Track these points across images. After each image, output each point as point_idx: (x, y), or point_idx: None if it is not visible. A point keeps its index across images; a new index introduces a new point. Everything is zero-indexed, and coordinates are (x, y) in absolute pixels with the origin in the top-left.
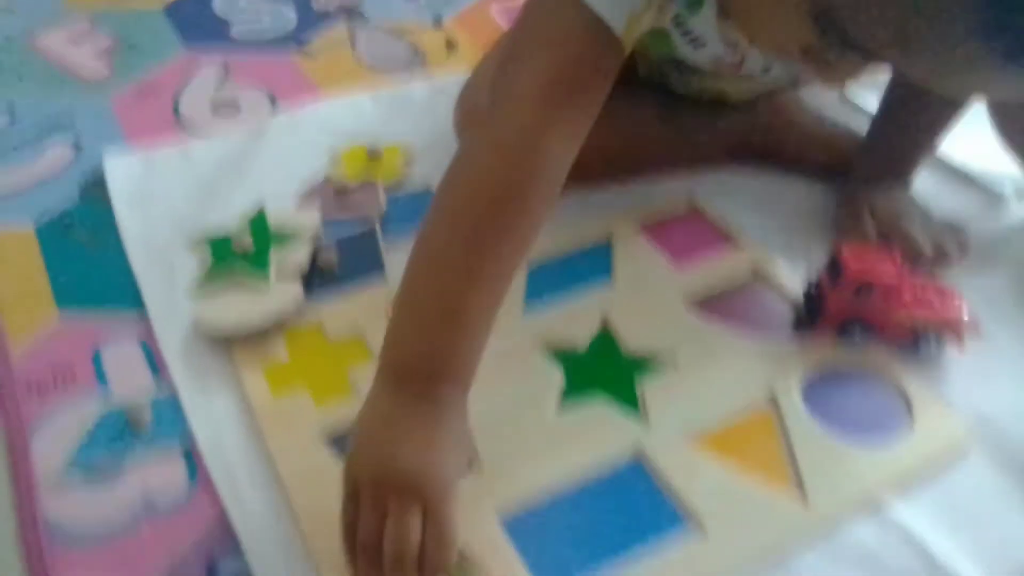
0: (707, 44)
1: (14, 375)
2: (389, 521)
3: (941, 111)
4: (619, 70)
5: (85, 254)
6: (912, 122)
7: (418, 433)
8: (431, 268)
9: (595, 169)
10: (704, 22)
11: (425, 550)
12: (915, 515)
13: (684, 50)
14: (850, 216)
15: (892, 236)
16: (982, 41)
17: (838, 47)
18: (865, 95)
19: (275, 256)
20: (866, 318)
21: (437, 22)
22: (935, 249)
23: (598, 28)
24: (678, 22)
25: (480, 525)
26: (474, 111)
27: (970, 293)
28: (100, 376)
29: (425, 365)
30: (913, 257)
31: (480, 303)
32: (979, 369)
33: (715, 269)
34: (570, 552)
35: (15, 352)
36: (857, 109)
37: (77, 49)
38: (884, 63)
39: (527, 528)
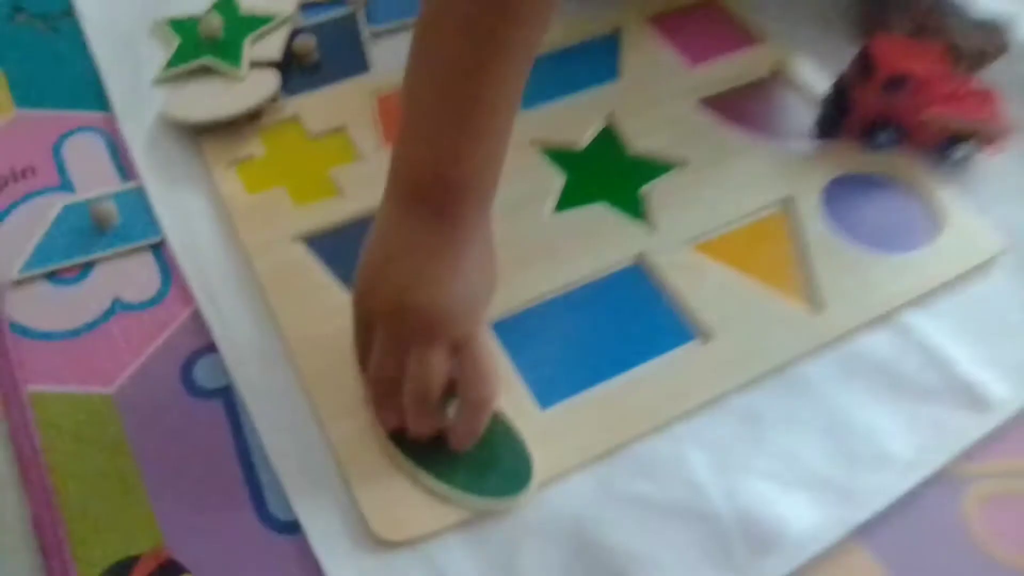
0: None
1: None
2: (412, 359)
3: None
4: None
5: (41, 44)
6: None
7: (439, 258)
8: (437, 61)
9: None
10: None
11: (465, 390)
12: (936, 326)
13: None
14: (878, 9)
15: (924, 32)
16: None
17: None
18: None
19: (248, 42)
20: (896, 118)
21: None
22: (972, 45)
23: None
24: None
25: None
26: None
27: (1010, 92)
28: (61, 171)
29: (441, 177)
30: (949, 54)
31: (496, 97)
32: (1016, 177)
33: (731, 66)
34: (565, 356)
35: None
36: None
37: None
38: None
39: (519, 331)
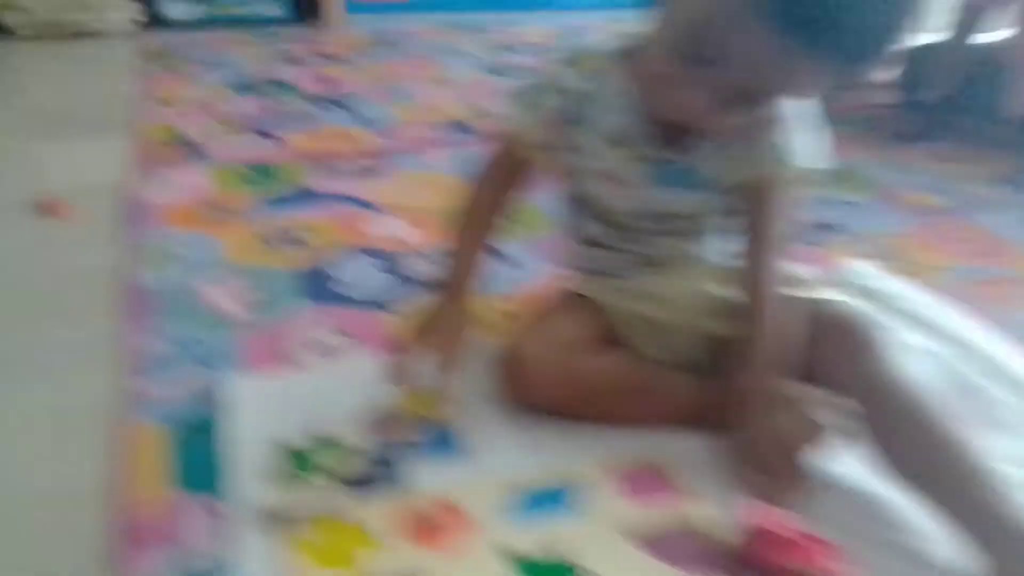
0: (601, 154)
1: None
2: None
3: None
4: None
5: (198, 451)
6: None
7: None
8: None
9: (595, 410)
10: (596, 139)
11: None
12: None
13: (591, 169)
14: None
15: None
16: (789, 42)
17: (715, 61)
18: None
19: (334, 466)
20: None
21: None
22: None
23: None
24: (584, 147)
25: None
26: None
27: None
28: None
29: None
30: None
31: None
32: None
33: (661, 514)
34: None
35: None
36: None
37: (226, 294)
38: (751, 93)
39: None
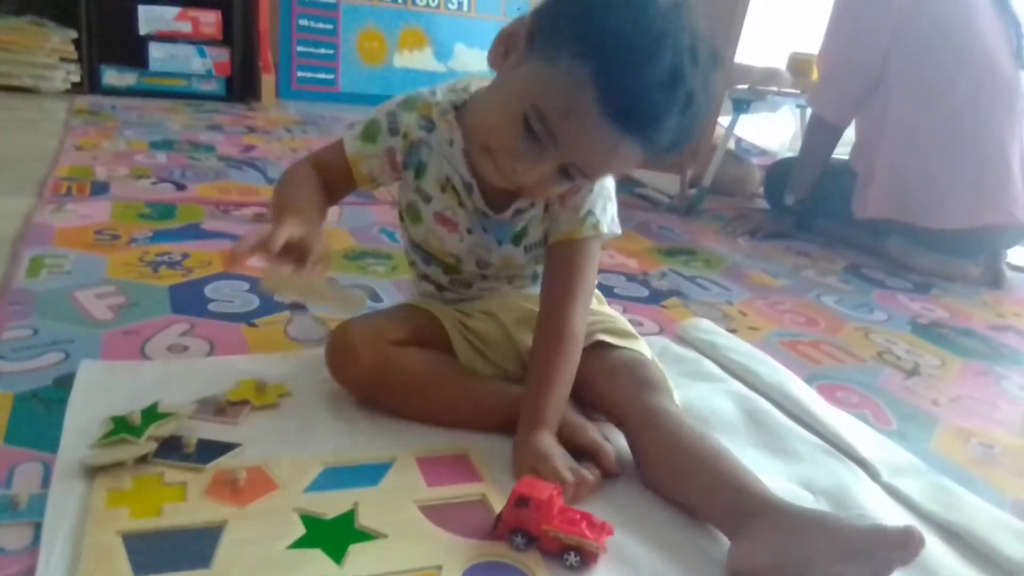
0: (433, 200)
1: None
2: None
3: (554, 385)
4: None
5: (38, 417)
6: (538, 391)
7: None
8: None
9: (414, 408)
10: (430, 185)
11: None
12: None
13: (424, 211)
14: (514, 456)
15: (538, 468)
16: (608, 122)
17: (536, 138)
18: None
19: (152, 427)
20: (525, 527)
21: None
22: (575, 475)
23: (341, 150)
24: (418, 191)
25: None
26: (343, 355)
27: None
28: (9, 480)
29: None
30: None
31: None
32: None
33: (455, 490)
34: None
35: None
36: None
37: (98, 301)
38: (559, 146)
39: None
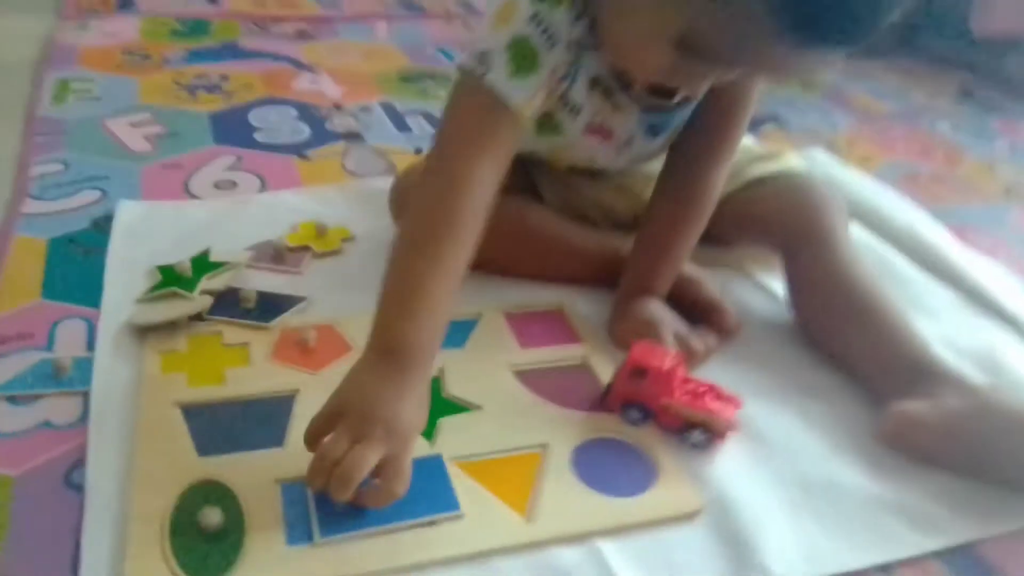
0: (582, 110)
1: None
2: (357, 447)
3: (675, 246)
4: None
5: (77, 265)
6: (654, 251)
7: (397, 394)
8: (400, 276)
9: (499, 261)
10: (578, 91)
11: (385, 481)
12: (620, 555)
13: (566, 124)
14: (614, 321)
15: (644, 336)
16: (783, 33)
17: (694, 59)
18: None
19: (204, 282)
20: (642, 400)
21: (418, 151)
22: (681, 347)
23: (499, 104)
24: (563, 100)
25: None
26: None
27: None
28: (50, 341)
29: (396, 346)
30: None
31: (434, 300)
32: (734, 458)
33: (551, 353)
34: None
35: None
36: (766, 293)
37: (133, 130)
38: (726, 65)
39: (300, 491)
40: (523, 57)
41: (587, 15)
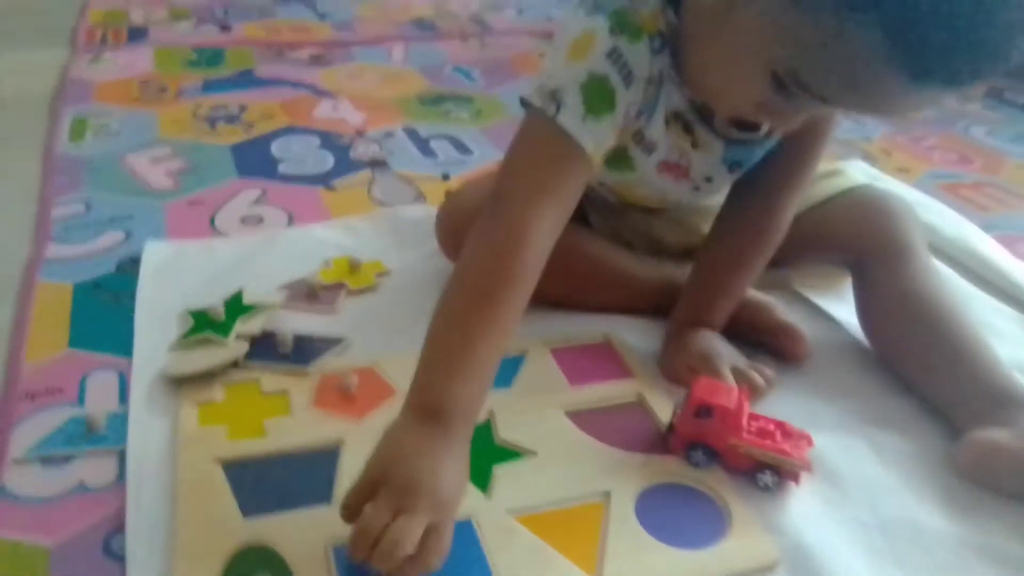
0: (657, 147)
1: (18, 384)
2: (401, 519)
3: (738, 279)
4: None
5: (105, 311)
6: (715, 282)
7: (442, 461)
8: (448, 332)
9: (550, 293)
10: (655, 127)
11: (421, 553)
12: None
13: (639, 161)
14: (667, 355)
15: (700, 371)
16: (898, 71)
17: (792, 95)
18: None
19: (238, 326)
20: (708, 441)
21: (445, 177)
22: (740, 381)
23: (571, 146)
24: (636, 136)
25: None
26: (462, 225)
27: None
28: (81, 395)
29: (444, 408)
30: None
31: (484, 359)
32: (806, 506)
33: (604, 390)
34: None
35: (25, 368)
36: (813, 308)
37: (154, 166)
38: (827, 103)
39: None
40: (599, 97)
41: (668, 47)
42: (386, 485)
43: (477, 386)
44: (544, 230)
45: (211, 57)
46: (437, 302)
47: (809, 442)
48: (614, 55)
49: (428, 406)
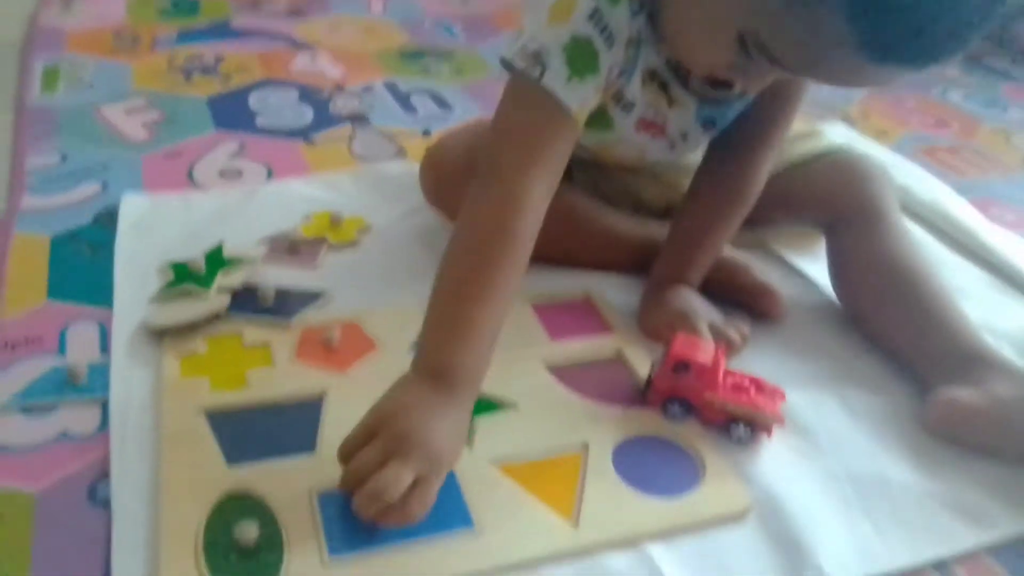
0: (635, 105)
1: None
2: (391, 465)
3: (715, 236)
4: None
5: (83, 262)
6: (692, 240)
7: (439, 415)
8: (449, 295)
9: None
10: (634, 86)
11: (406, 503)
12: (671, 559)
13: (618, 119)
14: (645, 311)
15: (678, 327)
16: (856, 51)
17: (757, 60)
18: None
19: (219, 279)
20: (684, 396)
21: (426, 133)
22: (717, 337)
23: (558, 109)
24: (616, 96)
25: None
26: (446, 175)
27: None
28: (61, 345)
29: (443, 367)
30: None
31: (486, 321)
32: (780, 453)
33: (584, 345)
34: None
35: (4, 319)
36: (788, 267)
37: (129, 118)
38: (790, 72)
39: (337, 503)
40: (583, 59)
41: (646, 8)
42: (382, 433)
43: (481, 350)
44: (538, 195)
45: (186, 7)
46: (438, 267)
47: (782, 397)
48: (596, 17)
49: (434, 368)
